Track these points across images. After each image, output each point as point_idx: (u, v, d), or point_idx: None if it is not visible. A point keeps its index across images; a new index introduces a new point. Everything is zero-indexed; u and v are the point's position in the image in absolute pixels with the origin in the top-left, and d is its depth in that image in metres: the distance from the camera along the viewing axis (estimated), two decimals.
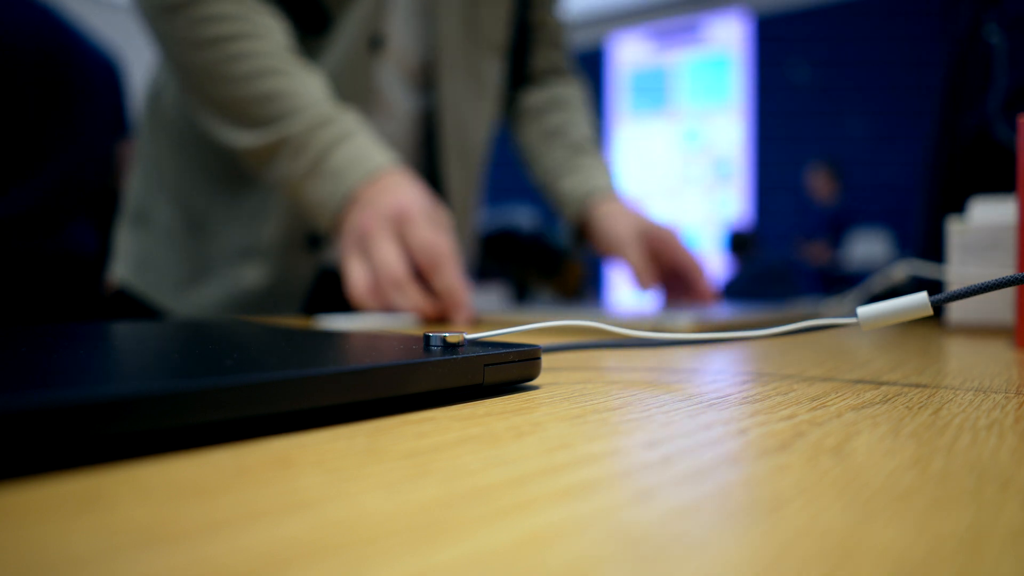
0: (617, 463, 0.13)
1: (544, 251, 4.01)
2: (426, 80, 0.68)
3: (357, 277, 0.51)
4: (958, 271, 0.50)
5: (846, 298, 0.69)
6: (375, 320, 0.51)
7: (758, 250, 4.13)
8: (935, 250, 0.67)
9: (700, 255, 0.75)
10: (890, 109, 4.66)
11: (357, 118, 0.54)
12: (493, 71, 0.73)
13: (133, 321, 0.31)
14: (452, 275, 0.50)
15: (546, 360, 0.30)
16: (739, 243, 4.00)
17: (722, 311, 0.56)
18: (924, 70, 4.28)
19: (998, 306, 0.49)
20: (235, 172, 0.63)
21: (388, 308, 0.51)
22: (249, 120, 0.53)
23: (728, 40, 5.41)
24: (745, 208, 5.25)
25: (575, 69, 0.88)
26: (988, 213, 0.50)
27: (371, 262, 0.51)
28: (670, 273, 0.74)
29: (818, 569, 0.09)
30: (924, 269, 0.56)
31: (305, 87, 0.53)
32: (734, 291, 3.46)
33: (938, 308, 0.55)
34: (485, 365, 0.20)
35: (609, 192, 0.76)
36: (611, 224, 0.73)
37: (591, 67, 5.73)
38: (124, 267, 0.67)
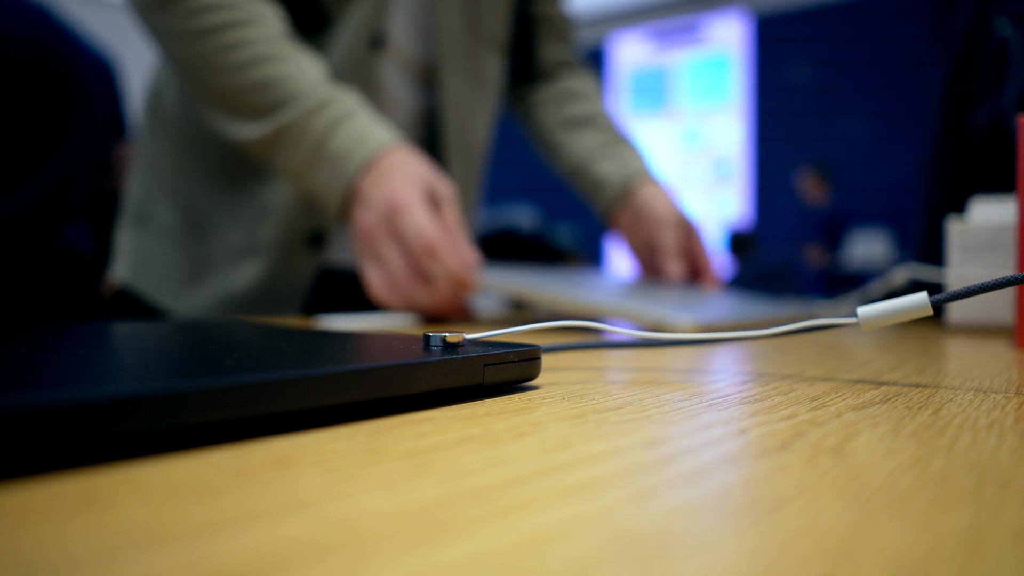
0: (617, 463, 0.13)
1: (544, 251, 4.01)
2: (428, 78, 0.68)
3: (373, 282, 0.52)
4: (958, 271, 0.50)
5: (845, 301, 0.69)
6: (375, 320, 0.51)
7: (758, 250, 4.13)
8: (937, 250, 0.67)
9: (715, 255, 0.76)
10: (890, 109, 4.67)
11: (356, 98, 0.54)
12: (494, 67, 0.73)
13: (133, 321, 0.31)
14: (448, 258, 0.49)
15: (546, 360, 0.30)
16: (739, 243, 4.01)
17: (724, 307, 0.56)
18: (924, 70, 4.28)
19: (998, 306, 0.49)
20: (236, 171, 0.63)
21: (412, 307, 0.52)
22: (248, 110, 0.53)
23: (728, 40, 5.41)
24: (745, 208, 5.25)
25: (584, 63, 0.89)
26: (988, 213, 0.50)
27: (380, 265, 0.51)
28: (686, 264, 0.75)
29: (818, 569, 0.09)
30: (924, 272, 0.56)
31: (301, 71, 0.53)
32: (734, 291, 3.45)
33: (938, 308, 0.55)
34: (485, 365, 0.20)
35: (649, 176, 0.77)
36: (654, 205, 0.74)
37: (591, 67, 5.72)
38: (124, 267, 0.67)
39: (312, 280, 0.65)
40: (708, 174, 5.46)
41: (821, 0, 4.99)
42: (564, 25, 0.85)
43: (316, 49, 0.61)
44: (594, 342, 0.30)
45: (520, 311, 0.72)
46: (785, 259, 4.01)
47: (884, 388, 0.23)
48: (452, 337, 0.22)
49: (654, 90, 5.70)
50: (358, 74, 0.61)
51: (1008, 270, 0.48)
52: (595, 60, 5.86)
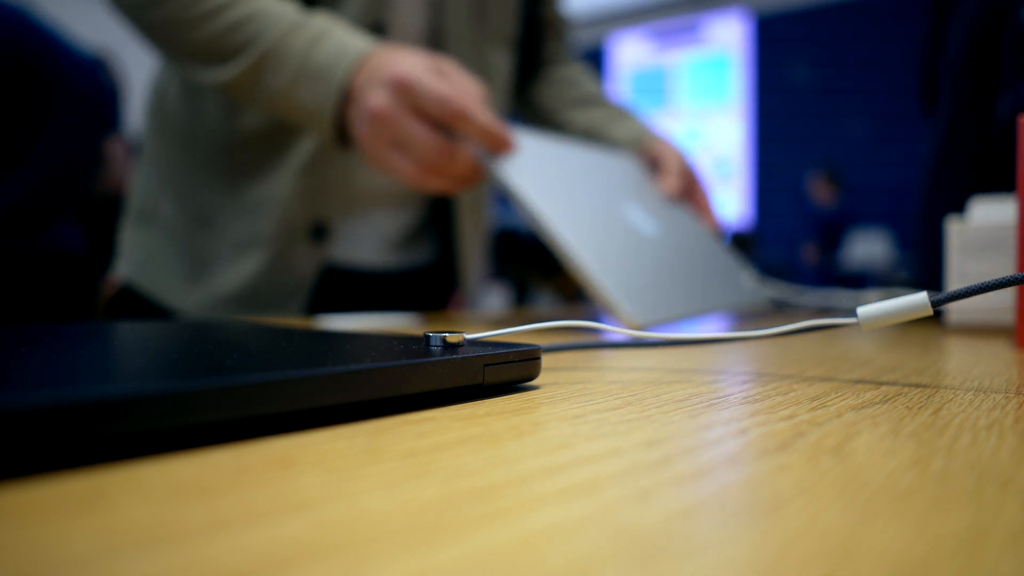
0: (617, 463, 0.13)
1: (544, 251, 4.01)
2: None
3: (403, 170, 0.50)
4: (958, 271, 0.50)
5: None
6: (375, 320, 0.51)
7: (758, 250, 4.14)
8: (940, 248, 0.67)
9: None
10: (890, 110, 4.67)
11: (328, 16, 0.53)
12: (502, 63, 0.73)
13: (134, 321, 0.31)
14: (478, 118, 0.48)
15: (546, 360, 0.30)
16: (739, 243, 4.01)
17: (686, 296, 0.54)
18: None
19: (998, 306, 0.49)
20: (237, 166, 0.63)
21: (452, 183, 0.50)
22: (227, 52, 0.53)
23: (728, 40, 5.41)
24: (745, 208, 5.25)
25: (577, 59, 0.89)
26: (988, 213, 0.50)
27: (406, 150, 0.49)
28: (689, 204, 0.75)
29: (818, 569, 0.09)
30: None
31: (268, 4, 0.52)
32: None
33: (938, 308, 0.55)
34: (485, 365, 0.20)
35: (660, 135, 0.77)
36: (664, 151, 0.74)
37: (591, 67, 5.73)
38: (127, 266, 0.67)
39: (316, 277, 0.65)
40: (708, 174, 5.47)
41: (821, 0, 4.99)
42: (562, 25, 0.86)
43: None
44: (594, 342, 0.30)
45: (520, 311, 0.72)
46: (785, 259, 4.01)
47: (884, 388, 0.23)
48: (452, 337, 0.22)
49: (654, 90, 5.71)
50: None
51: (1008, 270, 0.48)
52: (595, 60, 5.86)
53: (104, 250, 1.57)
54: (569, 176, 0.55)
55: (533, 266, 4.04)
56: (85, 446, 0.12)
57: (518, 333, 0.41)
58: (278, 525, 0.10)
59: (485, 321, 0.54)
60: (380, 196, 0.68)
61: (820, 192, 4.51)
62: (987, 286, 0.22)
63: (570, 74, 0.85)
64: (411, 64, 0.48)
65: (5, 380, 0.14)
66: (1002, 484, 0.12)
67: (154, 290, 0.65)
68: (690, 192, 0.74)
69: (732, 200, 5.35)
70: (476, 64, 0.69)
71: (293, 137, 0.62)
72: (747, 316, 0.66)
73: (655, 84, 5.68)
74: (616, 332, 0.24)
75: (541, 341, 0.36)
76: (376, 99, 0.48)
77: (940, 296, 0.23)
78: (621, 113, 0.82)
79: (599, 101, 0.83)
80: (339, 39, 0.51)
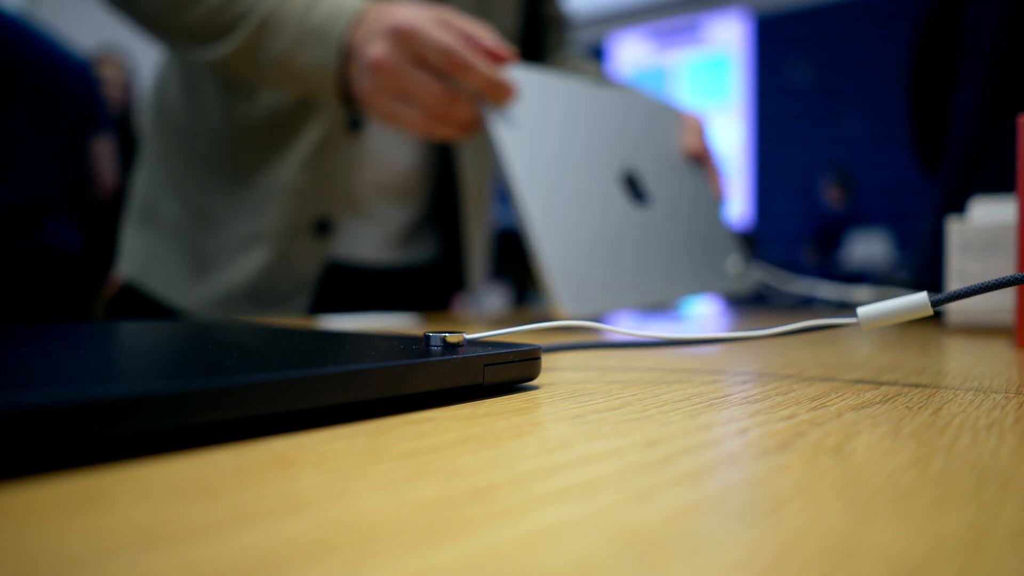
0: (617, 463, 0.13)
1: None
2: None
3: (409, 120, 0.50)
4: (958, 271, 0.50)
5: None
6: (376, 320, 0.51)
7: (757, 251, 4.14)
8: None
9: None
10: (890, 110, 4.67)
11: None
12: None
13: (134, 320, 0.31)
14: (480, 68, 0.47)
15: (546, 360, 0.30)
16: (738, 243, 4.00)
17: (639, 288, 0.53)
18: None
19: (998, 306, 0.49)
20: (239, 162, 0.63)
21: (457, 130, 0.50)
22: (225, 27, 0.53)
23: (728, 40, 5.41)
24: (745, 209, 5.25)
25: (579, 54, 0.90)
26: (988, 213, 0.50)
27: (409, 99, 0.49)
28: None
29: (818, 569, 0.09)
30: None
31: None
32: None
33: (938, 308, 0.55)
34: (485, 365, 0.20)
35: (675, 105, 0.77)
36: (684, 112, 0.74)
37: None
38: (130, 265, 0.67)
39: (319, 273, 0.65)
40: None
41: (821, 0, 4.99)
42: (565, 23, 0.86)
43: None
44: (594, 342, 0.30)
45: (520, 311, 0.72)
46: (785, 259, 4.01)
47: (884, 388, 0.23)
48: (452, 337, 0.22)
49: (654, 90, 5.71)
50: None
51: (1008, 270, 0.48)
52: (595, 60, 5.85)
53: (102, 249, 1.58)
54: (569, 128, 0.53)
55: (533, 266, 4.04)
56: (85, 446, 0.12)
57: (518, 333, 0.41)
58: (278, 525, 0.10)
59: (485, 321, 0.54)
60: (383, 191, 0.68)
61: (832, 196, 4.55)
62: (987, 286, 0.22)
63: (573, 63, 0.85)
64: (411, 14, 0.48)
65: (5, 380, 0.14)
66: (1002, 484, 0.12)
67: (156, 289, 0.65)
68: (703, 158, 0.74)
69: (732, 200, 5.35)
70: None
71: (294, 133, 0.62)
72: (747, 316, 0.66)
73: (655, 84, 5.68)
74: (616, 332, 0.24)
75: (541, 341, 0.36)
76: (376, 49, 0.48)
77: (940, 296, 0.23)
78: (628, 90, 0.81)
79: (604, 83, 0.83)
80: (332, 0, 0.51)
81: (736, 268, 0.65)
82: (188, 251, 0.64)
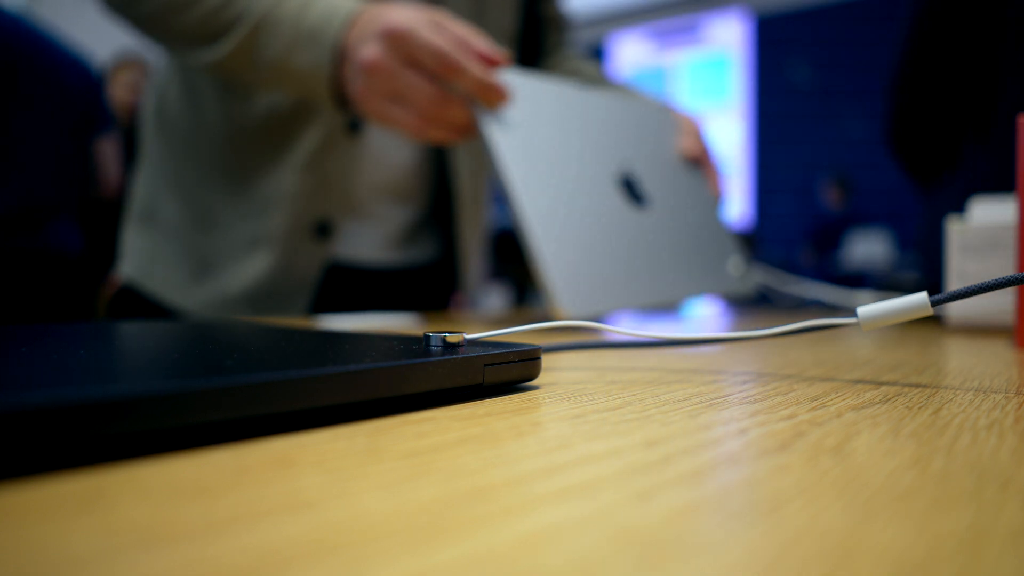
0: (617, 463, 0.13)
1: None
2: None
3: (402, 122, 0.50)
4: (958, 271, 0.50)
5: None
6: (376, 320, 0.51)
7: (757, 251, 4.14)
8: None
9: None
10: None
11: None
12: None
13: (134, 321, 0.31)
14: (472, 71, 0.47)
15: (546, 360, 0.30)
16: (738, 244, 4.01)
17: (639, 289, 0.53)
18: None
19: (998, 306, 0.49)
20: (240, 165, 0.63)
21: (451, 133, 0.50)
22: (220, 30, 0.53)
23: (728, 40, 5.41)
24: (745, 209, 5.25)
25: (579, 54, 0.90)
26: (988, 213, 0.50)
27: (403, 101, 0.49)
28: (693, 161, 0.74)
29: (818, 569, 0.09)
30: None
31: None
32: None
33: (938, 308, 0.55)
34: (485, 365, 0.20)
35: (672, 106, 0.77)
36: (677, 114, 0.73)
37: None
38: (130, 266, 0.67)
39: (320, 274, 0.65)
40: None
41: (821, 0, 4.99)
42: (564, 23, 0.86)
43: None
44: (594, 342, 0.30)
45: (520, 311, 0.72)
46: (785, 259, 4.01)
47: (884, 388, 0.23)
48: (452, 337, 0.22)
49: (654, 90, 5.71)
50: None
51: (1008, 270, 0.48)
52: (595, 60, 5.86)
53: (103, 249, 1.58)
54: (564, 131, 0.53)
55: (532, 267, 4.04)
56: (85, 446, 0.12)
57: (518, 333, 0.41)
58: (278, 525, 0.10)
59: (485, 321, 0.54)
60: (382, 192, 0.68)
61: (831, 197, 4.57)
62: (987, 286, 0.22)
63: (571, 64, 0.85)
64: (405, 16, 0.48)
65: (5, 380, 0.14)
66: (1002, 484, 0.12)
67: (156, 290, 0.65)
68: (701, 159, 0.74)
69: (732, 200, 5.35)
70: None
71: (294, 135, 0.62)
72: (747, 316, 0.66)
73: (655, 84, 5.68)
74: (616, 332, 0.24)
75: (541, 341, 0.36)
76: (369, 51, 0.48)
77: (940, 296, 0.23)
78: (626, 91, 0.81)
79: (603, 83, 0.83)
80: (328, 1, 0.51)
81: (737, 269, 0.65)
82: (188, 252, 0.65)
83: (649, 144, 0.63)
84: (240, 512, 0.10)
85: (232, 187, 0.64)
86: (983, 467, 0.13)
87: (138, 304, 0.66)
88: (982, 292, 0.22)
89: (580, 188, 0.52)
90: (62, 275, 1.30)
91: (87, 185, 1.44)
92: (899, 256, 4.28)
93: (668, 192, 0.61)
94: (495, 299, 3.97)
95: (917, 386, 0.24)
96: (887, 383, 0.24)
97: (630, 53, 5.80)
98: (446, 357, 0.19)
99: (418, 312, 0.72)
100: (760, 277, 0.67)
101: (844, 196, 4.55)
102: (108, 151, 1.50)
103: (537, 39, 0.83)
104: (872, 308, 0.24)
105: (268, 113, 0.62)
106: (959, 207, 0.71)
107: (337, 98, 0.52)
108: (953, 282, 0.50)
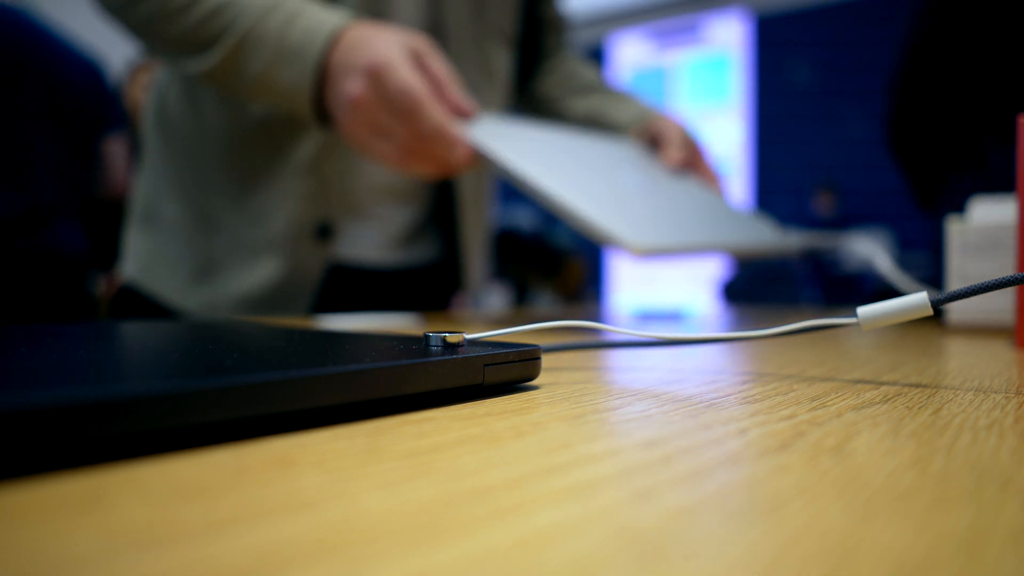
0: (617, 463, 0.13)
1: (544, 251, 4.01)
2: None
3: (385, 155, 0.51)
4: (958, 271, 0.50)
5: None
6: (376, 320, 0.51)
7: None
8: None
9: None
10: None
11: None
12: (502, 61, 0.73)
13: (135, 321, 0.31)
14: (430, 116, 0.48)
15: (546, 360, 0.30)
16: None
17: (685, 227, 0.53)
18: None
19: (998, 306, 0.49)
20: (242, 167, 0.63)
21: (436, 167, 0.50)
22: (207, 41, 0.53)
23: (728, 40, 5.41)
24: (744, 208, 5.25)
25: (578, 55, 0.90)
26: (988, 213, 0.50)
27: (384, 136, 0.50)
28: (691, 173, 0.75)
29: (818, 569, 0.09)
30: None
31: None
32: (733, 292, 3.45)
33: (938, 308, 0.55)
34: (485, 365, 0.20)
35: (663, 114, 0.77)
36: (665, 123, 0.74)
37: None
38: (132, 266, 0.67)
39: (322, 276, 0.65)
40: None
41: (821, 1, 4.99)
42: (562, 24, 0.86)
43: None
44: (594, 342, 0.30)
45: (520, 311, 0.72)
46: (784, 260, 4.01)
47: (884, 388, 0.23)
48: (452, 337, 0.22)
49: (654, 90, 5.70)
50: None
51: (1008, 270, 0.48)
52: (595, 60, 5.85)
53: (105, 250, 1.57)
54: (558, 155, 0.54)
55: (533, 266, 4.04)
56: (85, 446, 0.12)
57: (518, 333, 0.41)
58: (278, 525, 0.10)
59: (485, 321, 0.54)
60: (383, 193, 0.68)
61: (821, 203, 4.58)
62: (987, 286, 0.22)
63: (569, 65, 0.86)
64: (388, 49, 0.48)
65: (5, 380, 0.14)
66: (1002, 484, 0.12)
67: (158, 290, 0.65)
68: (695, 163, 0.74)
69: (731, 200, 5.35)
70: (476, 61, 0.69)
71: (295, 137, 0.62)
72: (747, 316, 0.66)
73: (655, 84, 5.68)
74: (616, 332, 0.24)
75: (541, 341, 0.36)
76: (353, 87, 0.49)
77: (940, 296, 0.23)
78: (621, 96, 0.81)
79: (599, 87, 0.83)
80: (313, 16, 0.51)
81: (775, 232, 0.65)
82: (190, 253, 0.65)
83: (645, 168, 0.64)
84: (240, 512, 0.10)
85: (233, 189, 0.64)
86: (983, 467, 0.13)
87: (139, 304, 0.66)
88: (982, 292, 0.22)
89: (593, 178, 0.52)
90: (65, 276, 1.30)
91: (93, 185, 1.43)
92: (899, 256, 4.28)
93: (680, 192, 0.62)
94: (496, 299, 3.97)
95: (917, 386, 0.24)
96: (887, 383, 0.24)
97: (630, 53, 5.80)
98: (446, 357, 0.19)
99: (418, 312, 0.72)
100: (802, 239, 0.68)
101: (834, 201, 4.57)
102: (115, 152, 1.49)
103: (536, 41, 0.83)
104: (872, 308, 0.24)
105: (268, 115, 0.62)
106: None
107: (319, 114, 0.52)
108: (953, 282, 0.50)
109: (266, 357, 0.18)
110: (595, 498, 0.11)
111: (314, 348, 0.21)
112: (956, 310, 0.50)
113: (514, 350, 0.22)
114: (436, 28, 0.67)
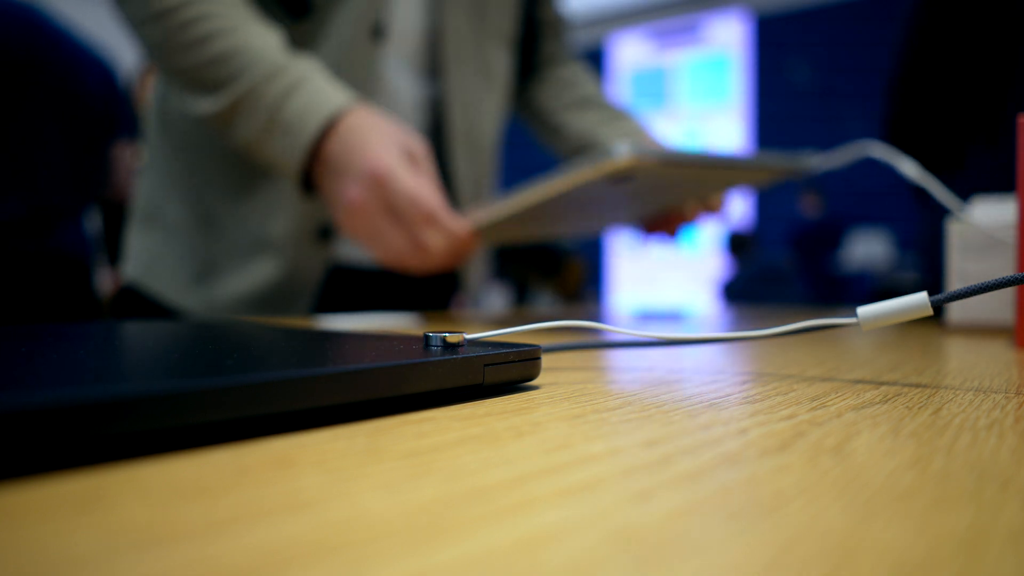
0: (616, 463, 0.13)
1: (544, 251, 4.01)
2: (432, 68, 0.68)
3: (379, 255, 0.52)
4: (958, 271, 0.50)
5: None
6: (376, 320, 0.51)
7: (757, 251, 4.14)
8: None
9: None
10: None
11: (311, 64, 0.53)
12: (502, 62, 0.73)
13: (135, 321, 0.31)
14: (446, 223, 0.49)
15: (546, 360, 0.30)
16: (737, 244, 4.00)
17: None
18: None
19: (998, 306, 0.49)
20: (243, 168, 0.63)
21: (430, 266, 0.52)
22: (208, 84, 0.53)
23: (728, 40, 5.41)
24: (744, 209, 5.25)
25: (577, 58, 0.89)
26: (988, 213, 0.50)
27: (380, 239, 0.51)
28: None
29: (818, 569, 0.09)
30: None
31: (256, 39, 0.52)
32: (732, 292, 3.45)
33: (938, 308, 0.55)
34: (485, 365, 0.20)
35: (655, 138, 0.77)
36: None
37: (591, 67, 5.74)
38: (133, 266, 0.67)
39: (322, 277, 0.65)
40: None
41: (821, 1, 4.99)
42: (561, 25, 0.86)
43: (314, 38, 0.61)
44: (594, 342, 0.30)
45: (520, 311, 0.72)
46: (784, 260, 4.01)
47: (884, 388, 0.23)
48: (452, 337, 0.22)
49: (654, 90, 5.71)
50: (358, 63, 0.61)
51: (1008, 270, 0.48)
52: (595, 60, 5.86)
53: (106, 251, 1.57)
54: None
55: (533, 266, 4.05)
56: (85, 446, 0.12)
57: (518, 333, 0.41)
58: (278, 525, 0.10)
59: (485, 321, 0.54)
60: None
61: (807, 205, 4.60)
62: (987, 286, 0.22)
63: (569, 75, 0.85)
64: (386, 153, 0.50)
65: (5, 380, 0.14)
66: (1002, 484, 0.12)
67: (159, 290, 0.65)
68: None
69: (731, 201, 5.35)
70: (476, 63, 0.69)
71: None
72: (747, 316, 0.66)
73: (655, 84, 5.68)
74: (616, 332, 0.24)
75: (541, 341, 0.36)
76: (352, 192, 0.50)
77: (940, 296, 0.23)
78: (617, 115, 0.81)
79: (597, 103, 0.83)
80: (313, 92, 0.52)
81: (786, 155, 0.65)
82: (192, 254, 0.65)
83: (622, 205, 0.64)
84: (240, 512, 0.10)
85: (235, 190, 0.64)
86: (983, 467, 0.13)
87: (140, 304, 0.66)
88: (982, 292, 0.22)
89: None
90: (70, 278, 1.29)
91: (102, 189, 1.42)
92: (899, 256, 4.28)
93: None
94: (496, 299, 3.97)
95: (917, 386, 0.24)
96: (887, 383, 0.24)
97: (630, 53, 5.80)
98: (446, 357, 0.19)
99: (418, 312, 0.72)
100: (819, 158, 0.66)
101: (820, 202, 4.58)
102: (126, 157, 1.47)
103: (535, 44, 0.83)
104: (872, 308, 0.24)
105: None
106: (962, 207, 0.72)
107: (305, 186, 0.54)
108: (953, 282, 0.50)
109: (266, 357, 0.18)
110: (595, 498, 0.11)
111: (314, 348, 0.21)
112: (956, 310, 0.50)
113: (514, 350, 0.22)
114: (436, 31, 0.67)
